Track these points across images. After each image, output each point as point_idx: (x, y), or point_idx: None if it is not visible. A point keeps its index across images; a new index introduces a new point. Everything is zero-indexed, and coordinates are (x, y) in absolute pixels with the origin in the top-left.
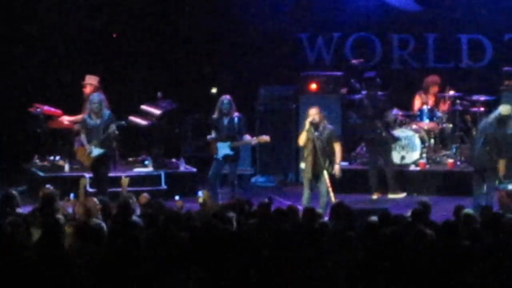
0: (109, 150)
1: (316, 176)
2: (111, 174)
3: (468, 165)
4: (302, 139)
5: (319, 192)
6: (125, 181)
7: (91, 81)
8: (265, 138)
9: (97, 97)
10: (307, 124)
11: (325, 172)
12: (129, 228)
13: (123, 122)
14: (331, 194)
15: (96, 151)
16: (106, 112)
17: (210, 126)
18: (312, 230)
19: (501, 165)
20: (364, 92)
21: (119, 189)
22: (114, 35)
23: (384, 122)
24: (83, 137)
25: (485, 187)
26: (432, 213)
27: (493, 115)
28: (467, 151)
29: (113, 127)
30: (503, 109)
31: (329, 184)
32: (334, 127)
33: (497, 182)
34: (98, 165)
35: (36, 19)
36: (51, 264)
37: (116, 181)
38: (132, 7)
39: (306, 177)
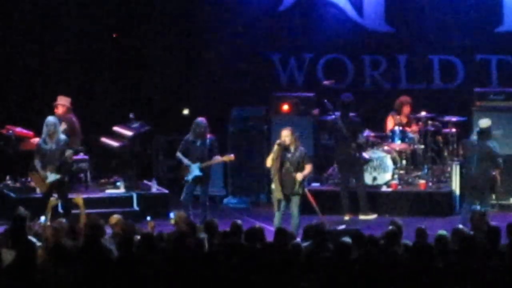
0: (65, 175)
1: (286, 198)
2: (83, 196)
3: (465, 185)
4: (269, 160)
5: (291, 213)
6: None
7: (63, 102)
8: (230, 156)
9: (52, 120)
10: (275, 146)
11: (297, 195)
12: (100, 249)
13: (80, 148)
14: (317, 210)
15: (52, 177)
16: (62, 136)
17: (181, 145)
18: (284, 251)
19: (497, 175)
20: (337, 113)
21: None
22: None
23: (356, 143)
24: (37, 162)
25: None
26: (403, 234)
27: (474, 132)
28: (464, 171)
29: (69, 152)
30: (482, 122)
31: (313, 202)
32: (306, 148)
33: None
34: (57, 190)
35: (8, 41)
36: (25, 286)
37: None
38: (103, 27)
39: (274, 197)
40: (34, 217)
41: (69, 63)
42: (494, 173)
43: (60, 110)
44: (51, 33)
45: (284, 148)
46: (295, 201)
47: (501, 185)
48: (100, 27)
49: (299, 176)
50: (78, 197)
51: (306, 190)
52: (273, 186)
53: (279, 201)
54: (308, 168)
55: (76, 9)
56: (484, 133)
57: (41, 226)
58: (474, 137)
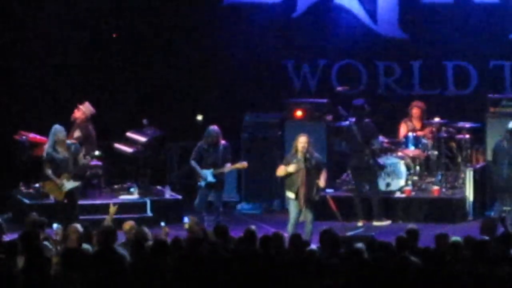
0: (82, 181)
1: (306, 204)
2: (97, 202)
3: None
4: (281, 170)
5: (305, 219)
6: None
7: (85, 109)
8: (243, 164)
9: (59, 128)
10: (293, 167)
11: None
12: (113, 255)
13: (97, 153)
14: (339, 215)
15: (70, 185)
16: (70, 142)
17: (194, 152)
18: (300, 257)
19: None
20: (352, 119)
21: (103, 216)
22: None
23: (371, 150)
24: (47, 170)
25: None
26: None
27: (503, 135)
28: (494, 176)
29: (86, 160)
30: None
31: (334, 207)
32: (319, 154)
33: None
34: (71, 197)
35: (20, 50)
36: None
37: (102, 208)
38: (120, 33)
39: (296, 206)
40: (48, 223)
41: (83, 69)
42: None
43: (78, 115)
44: (65, 37)
45: (304, 156)
46: (311, 208)
47: None
48: (114, 32)
49: (322, 182)
50: (112, 207)
51: (327, 195)
52: (290, 195)
53: (300, 209)
54: (324, 174)
55: (89, 14)
56: None
57: (55, 232)
58: (503, 140)
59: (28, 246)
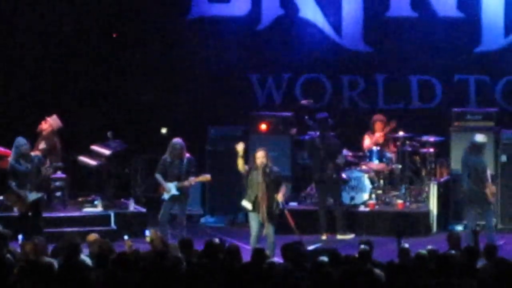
0: (46, 192)
1: (267, 219)
2: (61, 214)
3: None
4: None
5: (266, 233)
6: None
7: (53, 121)
8: (206, 176)
9: (22, 140)
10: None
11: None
12: (78, 267)
13: (59, 164)
14: (296, 230)
15: (33, 196)
16: (33, 155)
17: (159, 165)
18: (260, 270)
19: (489, 189)
20: (315, 132)
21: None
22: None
23: (335, 163)
24: (11, 182)
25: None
26: (381, 253)
27: (468, 146)
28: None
29: (48, 170)
30: (478, 137)
31: (291, 222)
32: (283, 167)
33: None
34: (35, 209)
35: None
36: None
37: (66, 221)
38: (83, 44)
39: (255, 219)
40: (12, 236)
41: (48, 81)
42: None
43: (44, 127)
44: (32, 48)
45: (263, 170)
46: (273, 221)
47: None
48: (81, 44)
49: (280, 197)
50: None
51: (285, 210)
52: (245, 203)
53: (260, 222)
54: (283, 188)
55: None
56: (477, 148)
57: (20, 245)
58: (466, 150)
59: None
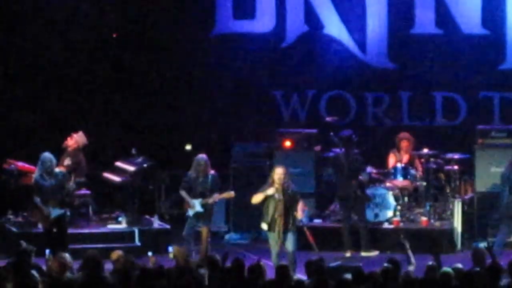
0: (69, 208)
1: (283, 235)
2: (85, 231)
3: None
4: (257, 197)
5: (286, 250)
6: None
7: (79, 137)
8: (230, 193)
9: (48, 156)
10: (272, 190)
11: (293, 232)
12: (100, 284)
13: (82, 179)
14: (315, 246)
15: (56, 212)
16: (58, 170)
17: (183, 182)
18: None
19: None
20: (340, 149)
21: (91, 246)
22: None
23: (359, 180)
24: (36, 198)
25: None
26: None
27: (509, 161)
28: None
29: (72, 186)
30: None
31: (311, 239)
32: (308, 184)
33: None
34: (58, 225)
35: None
36: None
37: (90, 237)
38: (108, 60)
39: (273, 238)
40: (37, 252)
41: (71, 99)
42: None
43: (70, 143)
44: (56, 63)
45: (281, 187)
46: (291, 237)
47: None
48: (106, 60)
49: (299, 214)
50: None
51: (305, 227)
52: (264, 226)
53: (279, 240)
54: (301, 205)
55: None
56: None
57: (46, 260)
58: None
59: (16, 274)
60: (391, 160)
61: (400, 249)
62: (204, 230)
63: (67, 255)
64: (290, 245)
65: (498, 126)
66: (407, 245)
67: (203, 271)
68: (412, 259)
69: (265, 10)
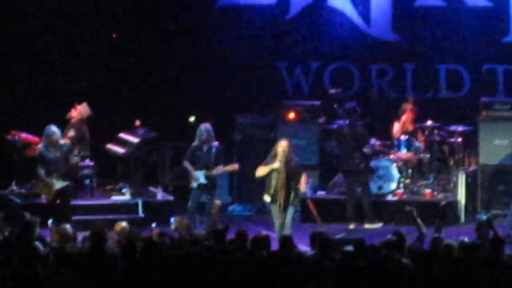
0: (72, 181)
1: (284, 208)
2: (89, 202)
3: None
4: (261, 170)
5: (285, 222)
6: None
7: (82, 109)
8: (234, 166)
9: (53, 128)
10: (278, 164)
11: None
12: (105, 255)
13: (87, 154)
14: (318, 219)
15: (60, 184)
16: (63, 142)
17: (187, 153)
18: (288, 259)
19: None
20: (344, 121)
21: (95, 217)
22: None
23: (362, 153)
24: (40, 169)
25: None
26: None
27: None
28: None
29: (76, 159)
30: None
31: (314, 211)
32: (312, 156)
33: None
34: (62, 197)
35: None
36: None
37: (94, 209)
38: (112, 33)
39: (275, 209)
40: (41, 223)
41: (75, 71)
42: None
43: (74, 114)
44: (58, 39)
45: (284, 159)
46: (291, 211)
47: None
48: (107, 33)
49: (303, 186)
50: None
51: (308, 199)
52: (267, 198)
53: (280, 211)
54: (304, 177)
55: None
56: None
57: (49, 229)
58: None
59: (20, 245)
60: (396, 127)
61: (408, 220)
62: (215, 204)
63: (68, 226)
64: (288, 217)
65: (502, 99)
66: (415, 214)
67: (209, 242)
68: (423, 229)
69: None
